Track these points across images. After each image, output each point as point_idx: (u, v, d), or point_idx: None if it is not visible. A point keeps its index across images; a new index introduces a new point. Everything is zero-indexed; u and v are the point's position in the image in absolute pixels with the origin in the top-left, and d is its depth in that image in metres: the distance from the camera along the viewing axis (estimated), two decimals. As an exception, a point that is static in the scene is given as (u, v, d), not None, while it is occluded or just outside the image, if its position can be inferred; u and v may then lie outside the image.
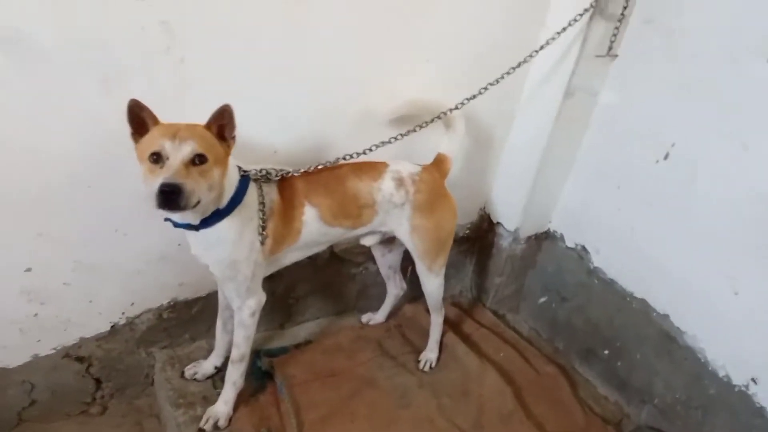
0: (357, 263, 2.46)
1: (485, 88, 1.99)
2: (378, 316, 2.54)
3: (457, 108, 1.99)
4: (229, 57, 1.69)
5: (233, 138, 1.55)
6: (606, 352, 2.44)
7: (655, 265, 2.17)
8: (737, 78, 1.83)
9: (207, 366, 2.06)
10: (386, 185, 1.90)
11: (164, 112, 1.45)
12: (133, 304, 1.97)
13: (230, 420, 1.88)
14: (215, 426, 1.86)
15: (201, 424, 1.85)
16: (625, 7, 2.03)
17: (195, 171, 1.44)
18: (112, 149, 1.62)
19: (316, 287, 2.41)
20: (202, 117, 1.47)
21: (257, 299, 1.82)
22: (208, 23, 1.60)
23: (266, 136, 1.88)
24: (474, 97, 1.99)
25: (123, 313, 1.97)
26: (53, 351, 1.90)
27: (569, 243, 2.54)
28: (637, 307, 2.27)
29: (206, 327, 2.19)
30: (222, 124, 1.51)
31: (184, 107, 1.66)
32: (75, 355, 1.94)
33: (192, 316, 2.13)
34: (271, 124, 1.88)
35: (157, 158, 1.42)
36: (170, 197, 1.38)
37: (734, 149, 1.85)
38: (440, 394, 2.21)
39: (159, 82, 1.62)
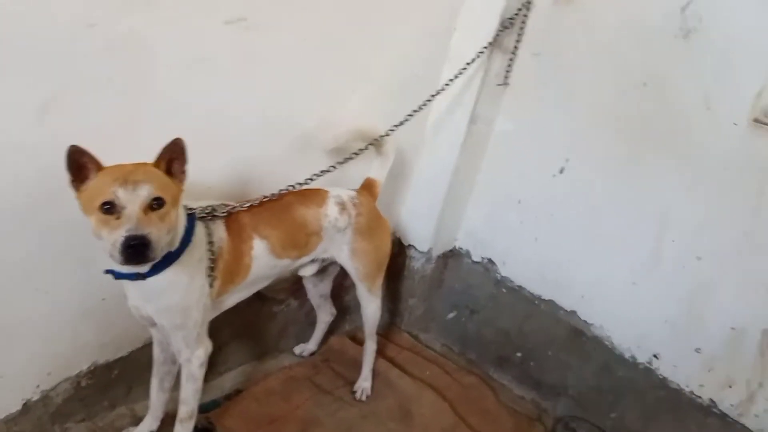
0: (279, 300, 2.36)
1: (410, 115, 2.09)
2: (310, 346, 2.48)
3: (388, 134, 2.05)
4: (172, 88, 1.57)
5: (184, 173, 1.43)
6: (518, 355, 2.62)
7: (560, 268, 2.42)
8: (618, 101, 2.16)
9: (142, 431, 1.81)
10: (331, 210, 1.89)
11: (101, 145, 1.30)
12: (49, 373, 1.67)
13: (183, 488, 1.67)
14: (169, 498, 1.64)
15: (153, 499, 1.62)
16: (517, 41, 2.28)
17: (154, 216, 1.31)
18: (37, 192, 1.41)
19: (236, 332, 2.24)
20: (140, 150, 1.35)
21: (205, 348, 1.67)
22: (155, 49, 1.49)
23: (200, 172, 1.75)
24: (402, 123, 2.06)
25: (38, 386, 1.65)
26: (-54, 448, 1.54)
27: (475, 258, 2.70)
28: (546, 309, 2.49)
29: (126, 390, 1.93)
30: (171, 158, 1.40)
31: (122, 140, 1.50)
32: (-27, 449, 1.59)
33: (111, 380, 1.85)
34: (206, 159, 1.74)
35: (110, 208, 1.27)
36: (138, 250, 1.24)
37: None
38: (384, 420, 2.20)
39: (99, 112, 1.45)
